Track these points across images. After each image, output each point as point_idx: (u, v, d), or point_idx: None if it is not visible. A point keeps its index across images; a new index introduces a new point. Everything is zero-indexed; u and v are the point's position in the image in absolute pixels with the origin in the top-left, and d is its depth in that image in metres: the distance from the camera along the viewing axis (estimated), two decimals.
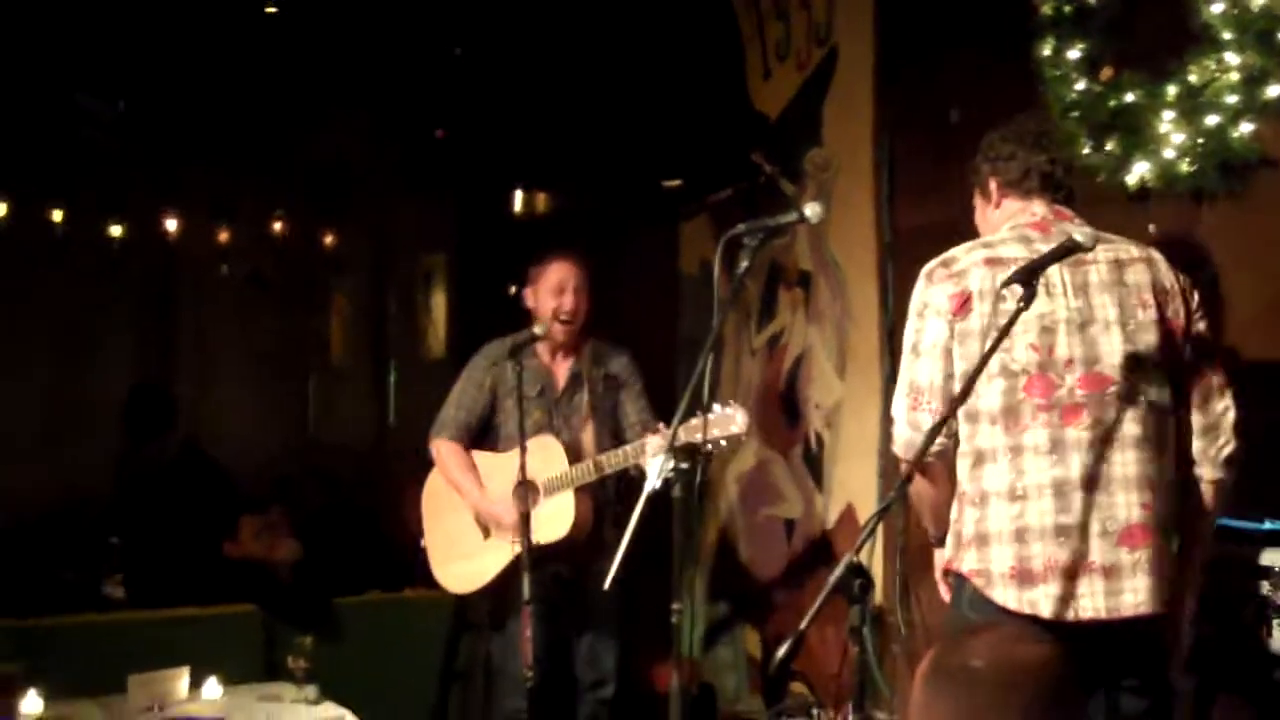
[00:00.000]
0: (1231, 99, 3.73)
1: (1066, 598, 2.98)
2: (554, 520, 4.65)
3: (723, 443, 4.24)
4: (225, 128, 7.95)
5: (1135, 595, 3.00)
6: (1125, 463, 3.03)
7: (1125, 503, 3.02)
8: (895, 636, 5.03)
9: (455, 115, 7.90)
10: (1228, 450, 3.17)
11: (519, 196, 8.27)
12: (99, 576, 6.17)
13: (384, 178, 8.60)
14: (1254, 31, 3.66)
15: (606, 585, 3.52)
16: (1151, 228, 4.02)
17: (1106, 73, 4.14)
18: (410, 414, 8.90)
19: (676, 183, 7.06)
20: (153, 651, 4.79)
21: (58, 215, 7.81)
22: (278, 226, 8.43)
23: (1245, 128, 3.73)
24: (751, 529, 6.26)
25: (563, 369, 4.93)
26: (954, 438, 3.11)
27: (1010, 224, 3.26)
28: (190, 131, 7.96)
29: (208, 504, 6.53)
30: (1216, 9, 3.72)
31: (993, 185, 3.35)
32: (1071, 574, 2.98)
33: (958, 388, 3.03)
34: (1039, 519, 3.01)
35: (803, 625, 2.41)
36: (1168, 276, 3.18)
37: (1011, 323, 2.80)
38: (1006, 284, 2.87)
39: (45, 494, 7.22)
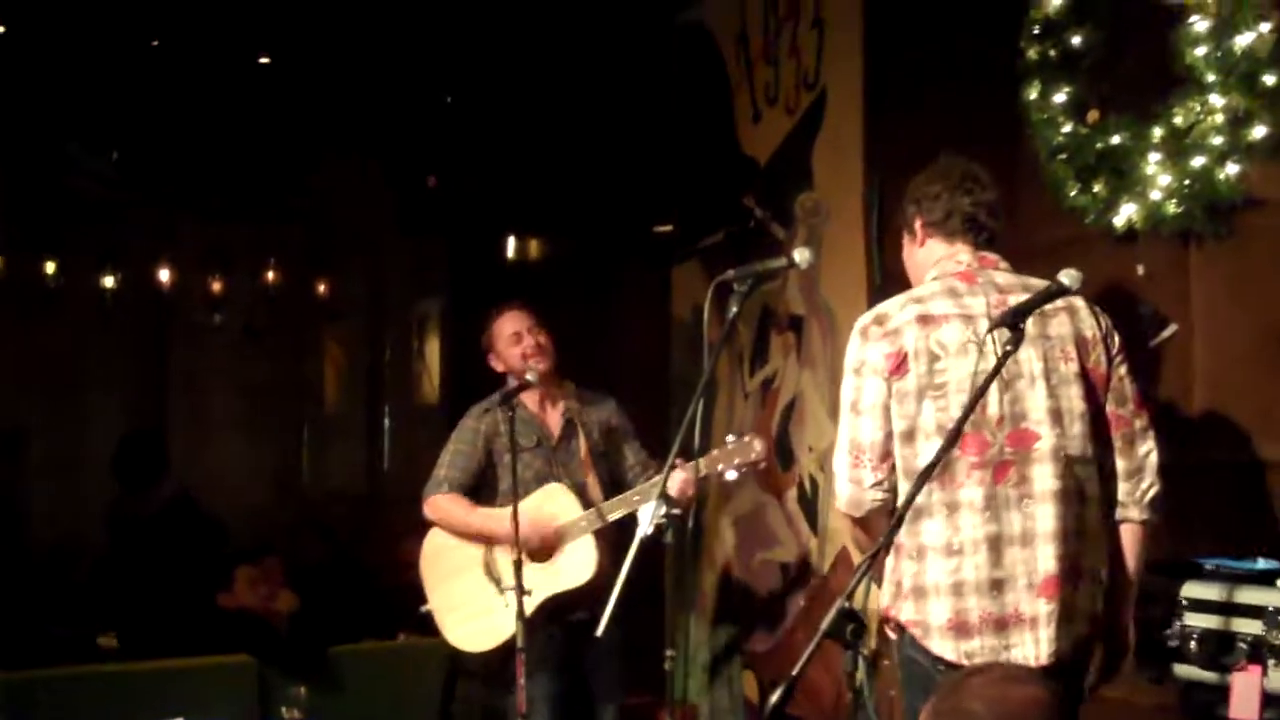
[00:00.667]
0: (1217, 140, 3.74)
1: (1000, 649, 3.10)
2: (578, 566, 4.61)
3: (742, 470, 4.36)
4: (218, 178, 7.99)
5: (1050, 645, 3.11)
6: (1045, 516, 3.12)
7: (1043, 555, 3.11)
8: (893, 679, 5.01)
9: (447, 162, 7.95)
10: (1152, 492, 3.27)
11: (512, 242, 8.30)
12: (93, 627, 6.13)
13: (377, 225, 8.64)
14: (1238, 73, 3.68)
15: (599, 632, 3.49)
16: (1140, 268, 4.04)
17: (1093, 115, 4.17)
18: (404, 460, 8.91)
19: (668, 228, 7.08)
20: (147, 702, 4.79)
21: (50, 266, 7.83)
22: (271, 275, 8.46)
23: (1231, 169, 3.74)
24: (747, 573, 6.25)
25: (554, 417, 4.91)
26: (893, 492, 3.19)
27: (936, 272, 3.32)
28: (183, 181, 8.00)
29: (199, 554, 6.52)
30: (1200, 51, 3.74)
31: (918, 224, 3.40)
32: (1003, 625, 3.11)
33: (896, 445, 3.15)
34: (974, 573, 3.11)
35: (795, 670, 2.41)
36: (1088, 325, 3.24)
37: (999, 367, 2.80)
38: (993, 329, 2.88)
39: (37, 544, 7.21)
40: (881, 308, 3.29)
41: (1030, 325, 3.03)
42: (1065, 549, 3.13)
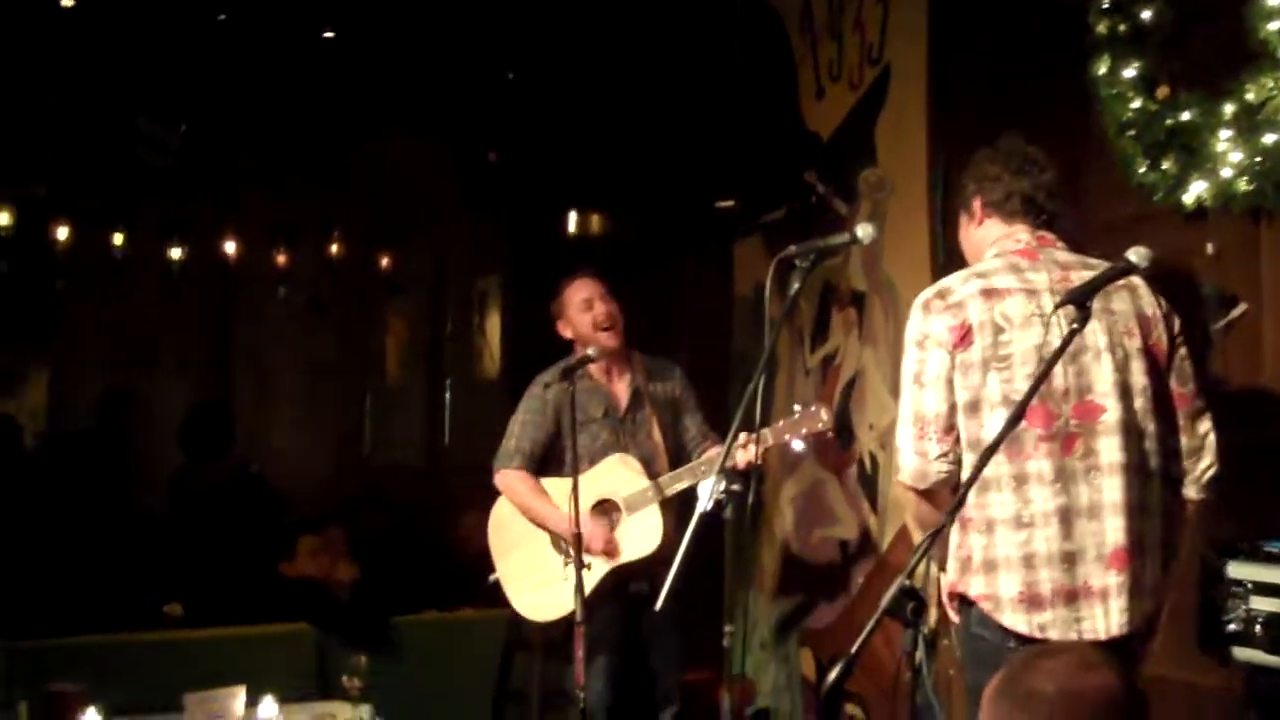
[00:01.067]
0: None
1: (1072, 620, 3.13)
2: (644, 536, 4.65)
3: (809, 439, 4.47)
4: (283, 151, 8.05)
5: (1122, 615, 3.14)
6: (1113, 489, 3.15)
7: (1112, 527, 3.14)
8: (951, 658, 4.99)
9: (509, 138, 7.96)
10: (1211, 472, 3.31)
11: (573, 218, 8.31)
12: (159, 595, 6.22)
13: (439, 200, 8.68)
14: None
15: (658, 606, 3.50)
16: (1210, 247, 3.98)
17: (1162, 91, 4.11)
18: (465, 434, 8.96)
19: (729, 203, 7.06)
20: (209, 670, 4.82)
21: (118, 238, 7.92)
22: (335, 249, 8.52)
23: None
24: (806, 550, 6.23)
25: (621, 387, 4.92)
26: (957, 465, 3.21)
27: (996, 250, 3.37)
28: (249, 155, 8.07)
29: (261, 524, 6.60)
30: (1274, 26, 3.68)
31: (976, 204, 3.46)
32: (1074, 598, 3.14)
33: (960, 417, 3.18)
34: (1045, 545, 3.14)
35: (854, 649, 2.40)
36: (1149, 304, 3.29)
37: (1066, 344, 2.79)
38: (1060, 305, 2.87)
39: (106, 512, 7.31)
40: (944, 282, 3.32)
41: (1096, 299, 3.02)
42: (1132, 522, 3.16)
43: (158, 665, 5.15)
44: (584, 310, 4.86)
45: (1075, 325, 2.74)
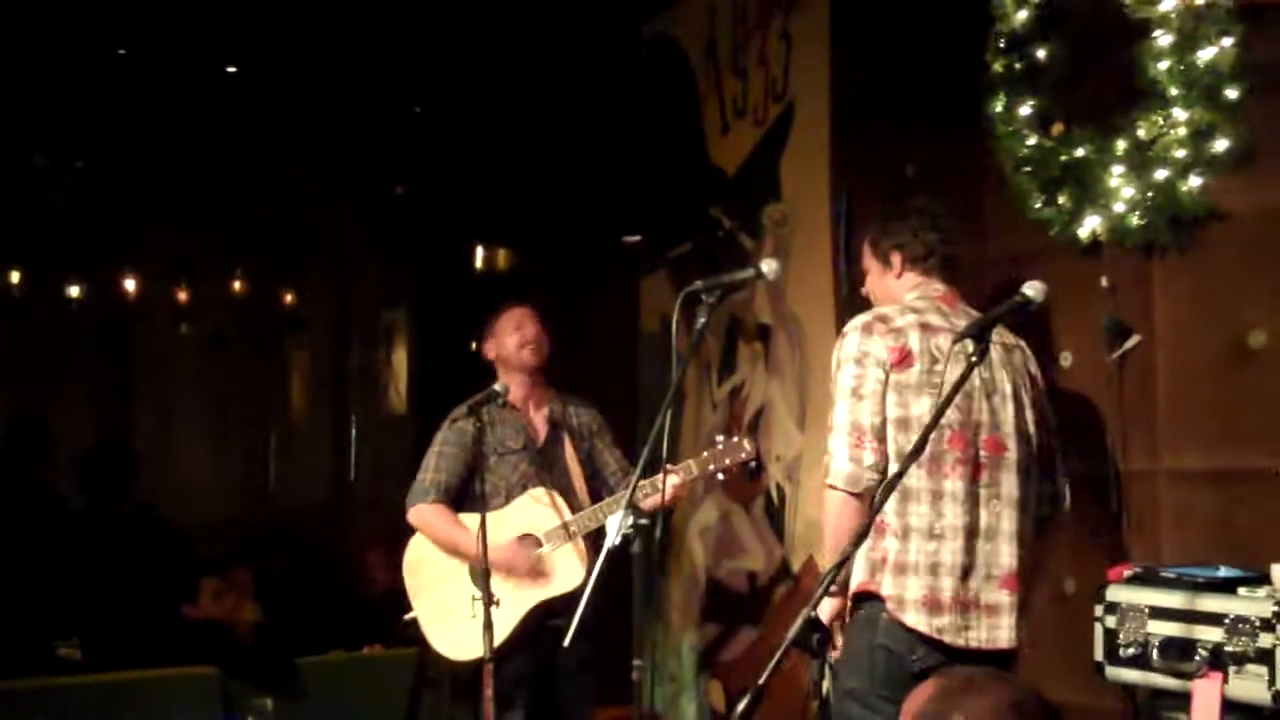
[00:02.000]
0: (1180, 153, 3.78)
1: (962, 628, 3.39)
2: (567, 571, 4.61)
3: (734, 470, 4.49)
4: (184, 187, 7.95)
5: (1008, 631, 3.44)
6: (1009, 519, 3.47)
7: (1007, 552, 3.45)
8: None
9: (415, 172, 7.94)
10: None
11: (480, 253, 8.29)
12: (54, 637, 6.09)
13: (344, 235, 8.62)
14: (1200, 87, 3.73)
15: (566, 642, 3.49)
16: (1104, 280, 4.07)
17: (1057, 128, 4.21)
18: (372, 470, 8.88)
19: (636, 238, 7.09)
20: (110, 714, 4.74)
21: (15, 276, 7.78)
22: (237, 285, 8.42)
23: (1194, 181, 3.79)
24: (715, 583, 6.26)
25: (539, 419, 4.89)
26: (884, 475, 3.39)
27: (918, 294, 3.64)
28: (149, 191, 7.96)
29: (163, 565, 6.48)
30: (1163, 65, 3.78)
31: (897, 259, 3.72)
32: (966, 608, 3.40)
33: (890, 431, 3.41)
34: (950, 557, 3.40)
35: (760, 680, 2.41)
36: (1033, 363, 3.69)
37: (966, 376, 2.86)
38: (961, 338, 2.94)
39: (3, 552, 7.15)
40: (879, 311, 3.58)
41: (1001, 352, 3.52)
42: (1022, 550, 3.48)
43: (57, 712, 5.02)
44: (513, 331, 4.87)
45: (973, 359, 2.82)
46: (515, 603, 4.61)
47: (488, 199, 7.54)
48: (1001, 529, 3.46)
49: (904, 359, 3.43)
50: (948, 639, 3.37)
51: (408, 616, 4.87)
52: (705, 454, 4.48)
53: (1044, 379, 3.74)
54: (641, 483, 4.35)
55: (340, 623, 6.72)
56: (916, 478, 3.40)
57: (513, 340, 4.86)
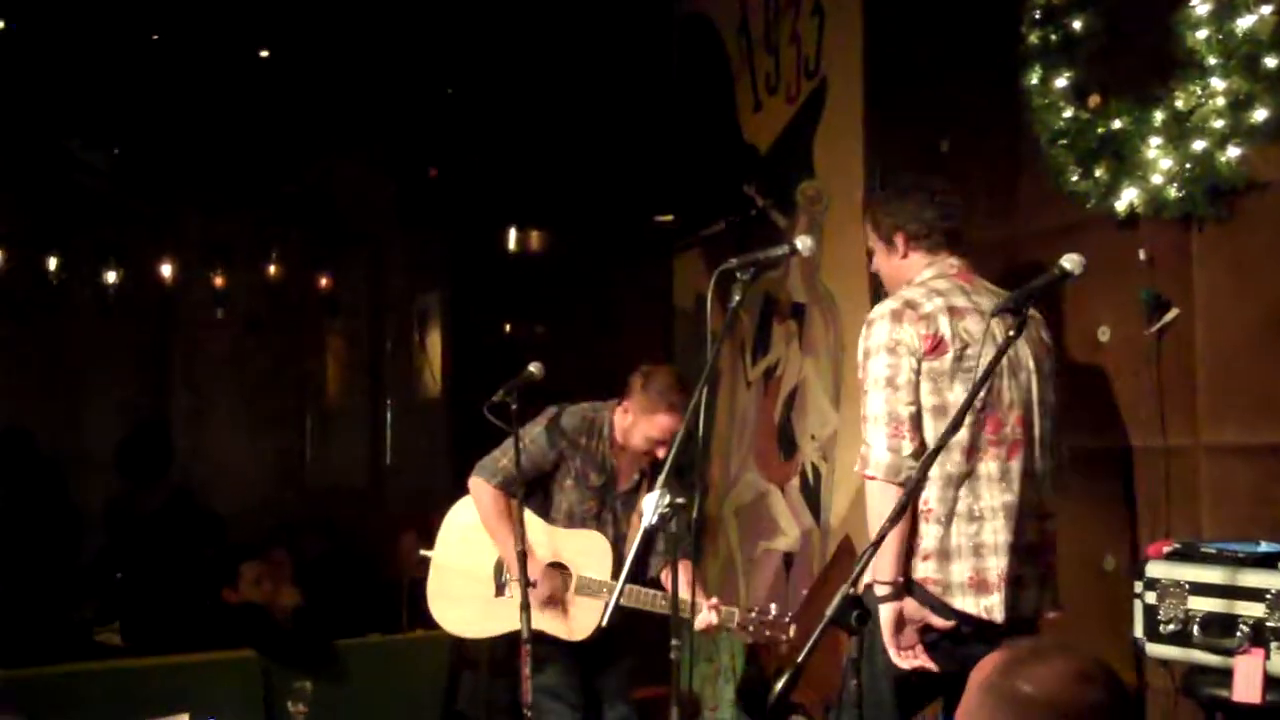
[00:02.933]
0: (1218, 124, 3.74)
1: (1007, 603, 3.39)
2: (580, 620, 4.51)
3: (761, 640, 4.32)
4: (219, 172, 7.98)
5: (1043, 602, 3.53)
6: (1037, 490, 3.50)
7: (1037, 527, 3.51)
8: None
9: (448, 155, 7.93)
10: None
11: (513, 234, 8.30)
12: (95, 622, 6.14)
13: (378, 218, 8.63)
14: (1239, 56, 3.68)
15: (604, 622, 3.47)
16: (1141, 253, 4.03)
17: (1094, 100, 4.16)
18: (406, 453, 8.91)
19: (669, 217, 7.07)
20: (152, 698, 4.76)
21: (53, 263, 7.83)
22: (272, 270, 8.45)
23: (1233, 152, 3.74)
24: (751, 563, 6.25)
25: (629, 466, 4.68)
26: (921, 460, 3.35)
27: (935, 272, 3.60)
28: (184, 177, 8.00)
29: (201, 550, 6.53)
30: (1201, 35, 3.74)
31: (899, 239, 3.66)
32: (1010, 584, 3.40)
33: (927, 419, 3.40)
34: (991, 537, 3.40)
35: (799, 658, 2.40)
36: (1047, 336, 3.66)
37: (1005, 350, 2.85)
38: (998, 312, 2.90)
39: (40, 538, 7.21)
40: (907, 295, 3.51)
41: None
42: (1047, 524, 3.55)
43: (99, 695, 5.06)
44: (650, 442, 4.54)
45: (1012, 334, 2.78)
46: (510, 615, 4.46)
47: (521, 181, 7.54)
48: (1033, 503, 3.48)
49: (937, 346, 3.40)
50: (999, 617, 3.37)
51: (423, 552, 4.85)
52: (754, 615, 4.23)
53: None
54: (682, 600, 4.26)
55: (377, 605, 6.75)
56: (954, 464, 3.39)
57: (643, 445, 4.55)
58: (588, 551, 4.57)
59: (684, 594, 4.17)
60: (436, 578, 4.81)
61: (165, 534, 6.97)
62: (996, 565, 3.38)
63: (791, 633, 4.23)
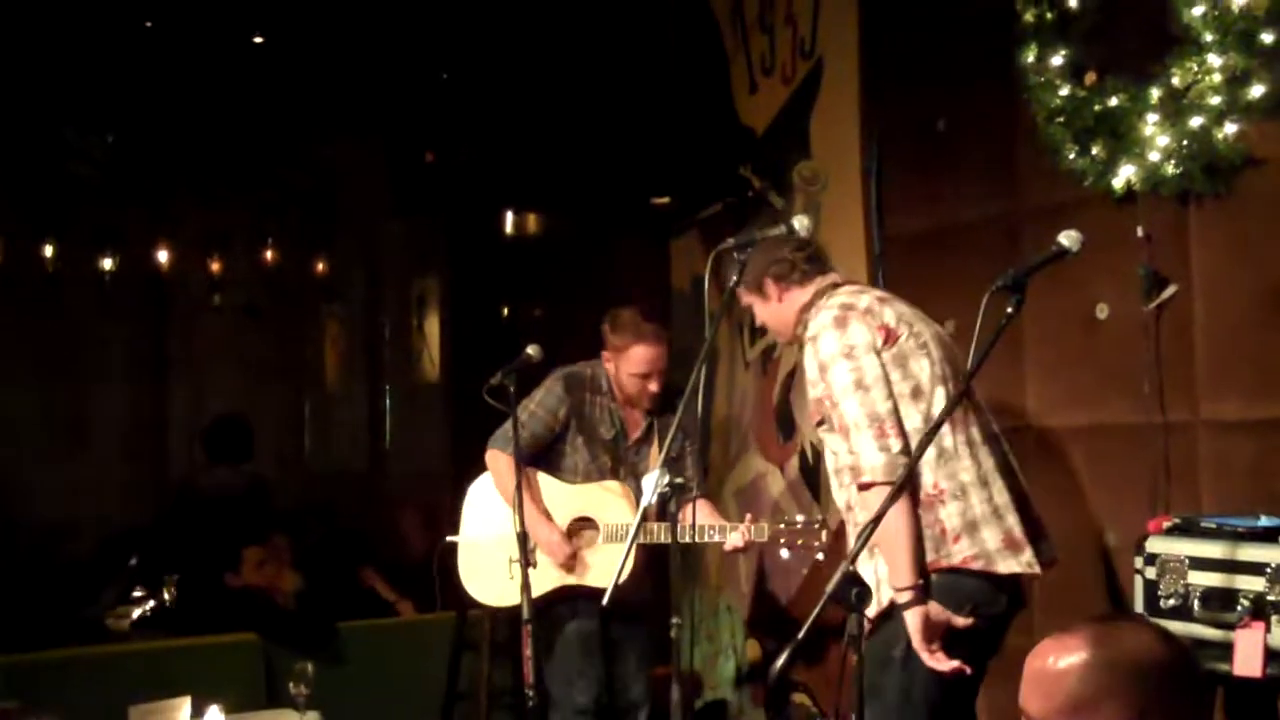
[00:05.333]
0: (1215, 100, 3.75)
1: (1039, 552, 3.43)
2: (609, 568, 4.55)
3: (798, 552, 4.32)
4: (214, 158, 7.96)
5: (1053, 549, 3.54)
6: (1002, 447, 3.55)
7: (1015, 482, 3.52)
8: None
9: (443, 138, 7.92)
10: None
11: (509, 217, 8.29)
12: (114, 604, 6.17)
13: (374, 203, 8.61)
14: (1235, 32, 3.68)
15: (605, 601, 3.48)
16: (1139, 230, 4.04)
17: (1090, 77, 4.17)
18: (406, 438, 8.90)
19: (665, 200, 7.07)
20: (153, 681, 4.77)
21: (49, 250, 7.81)
22: (269, 255, 8.43)
23: (1230, 128, 3.75)
24: (751, 543, 6.25)
25: (638, 415, 4.81)
26: (909, 457, 3.33)
27: (825, 286, 3.65)
28: (179, 163, 7.98)
29: (203, 535, 6.54)
30: (1197, 11, 3.74)
31: (771, 287, 3.72)
32: (1033, 537, 3.43)
33: (905, 407, 3.39)
34: (1001, 496, 3.42)
35: (800, 635, 2.41)
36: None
37: (1004, 328, 2.82)
38: (1001, 289, 2.86)
39: (41, 524, 7.23)
40: (842, 300, 3.55)
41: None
42: (1021, 479, 3.57)
43: (100, 679, 5.07)
44: (637, 379, 4.68)
45: (1010, 310, 2.77)
46: (552, 574, 4.61)
47: (516, 163, 7.52)
48: (1005, 459, 3.52)
49: (889, 335, 3.43)
50: (1038, 569, 3.41)
51: (448, 538, 4.90)
52: (783, 525, 4.31)
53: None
54: (710, 526, 4.32)
55: (370, 596, 6.76)
56: (945, 436, 3.39)
57: (632, 384, 4.70)
58: (609, 501, 4.66)
59: (710, 521, 4.29)
60: (466, 557, 4.86)
61: (168, 520, 7.00)
62: (1015, 522, 3.39)
63: (824, 537, 4.26)
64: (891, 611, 3.34)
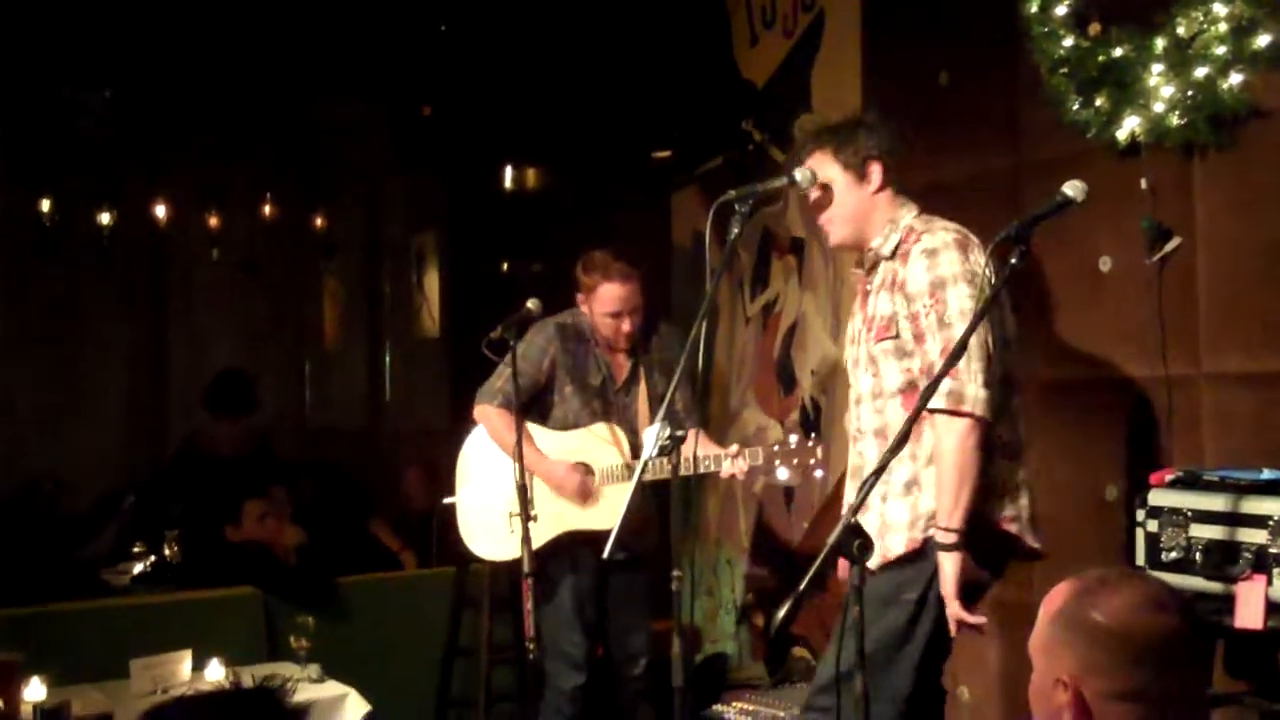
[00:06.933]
0: (1220, 50, 3.71)
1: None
2: (614, 508, 4.56)
3: (794, 474, 4.30)
4: (212, 113, 7.92)
5: None
6: None
7: None
8: None
9: (442, 93, 7.87)
10: None
11: (509, 172, 8.25)
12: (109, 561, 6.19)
13: (373, 157, 8.58)
14: None
15: (606, 554, 3.47)
16: (1143, 181, 4.01)
17: (1094, 28, 4.12)
18: (406, 393, 8.91)
19: (666, 154, 7.04)
20: (154, 635, 4.79)
21: (47, 205, 7.78)
22: (268, 210, 8.40)
23: (1235, 79, 3.72)
24: (751, 497, 6.26)
25: (622, 358, 4.80)
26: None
27: (913, 215, 3.49)
28: (177, 118, 7.94)
29: (203, 491, 6.55)
30: None
31: (875, 170, 3.50)
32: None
33: (996, 353, 3.29)
34: (1027, 470, 3.42)
35: (800, 587, 2.41)
36: None
37: (1007, 279, 2.83)
38: (1004, 240, 2.82)
39: (40, 479, 7.23)
40: (952, 225, 3.40)
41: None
42: None
43: (102, 632, 5.08)
44: (610, 318, 4.67)
45: (1014, 262, 2.74)
46: (552, 522, 4.62)
47: (516, 117, 7.48)
48: None
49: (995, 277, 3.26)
50: (1040, 555, 3.40)
51: (446, 500, 4.91)
52: (776, 447, 4.30)
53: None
54: (705, 456, 4.30)
55: (379, 544, 6.78)
56: (1017, 395, 3.38)
57: (606, 324, 4.68)
58: (598, 445, 4.67)
59: (705, 452, 4.29)
60: (464, 515, 4.88)
61: (170, 476, 7.02)
62: (1030, 500, 3.39)
63: (820, 454, 4.25)
64: (913, 556, 3.29)
